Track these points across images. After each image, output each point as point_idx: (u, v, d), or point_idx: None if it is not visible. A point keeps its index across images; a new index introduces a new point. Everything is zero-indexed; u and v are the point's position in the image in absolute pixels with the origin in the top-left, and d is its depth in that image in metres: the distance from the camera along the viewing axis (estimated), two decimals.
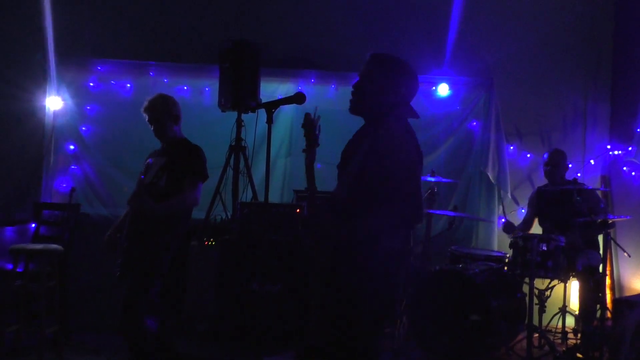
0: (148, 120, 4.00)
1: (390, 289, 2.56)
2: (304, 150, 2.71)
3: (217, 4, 6.06)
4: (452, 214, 5.01)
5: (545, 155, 5.47)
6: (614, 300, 4.50)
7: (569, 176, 5.71)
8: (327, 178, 5.87)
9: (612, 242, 5.13)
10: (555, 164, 5.36)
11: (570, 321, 5.30)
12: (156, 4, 6.06)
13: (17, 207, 5.64)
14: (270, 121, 2.76)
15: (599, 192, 5.55)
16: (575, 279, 5.06)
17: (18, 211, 5.60)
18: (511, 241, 4.90)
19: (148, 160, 4.07)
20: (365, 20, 6.10)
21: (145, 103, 4.00)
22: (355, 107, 2.68)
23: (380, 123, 2.57)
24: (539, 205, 5.50)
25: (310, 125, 2.67)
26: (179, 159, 3.92)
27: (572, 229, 4.94)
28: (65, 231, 5.24)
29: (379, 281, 2.49)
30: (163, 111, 3.97)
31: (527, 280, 4.77)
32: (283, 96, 5.96)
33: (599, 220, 4.62)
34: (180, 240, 4.08)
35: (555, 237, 4.74)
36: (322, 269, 2.57)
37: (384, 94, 2.60)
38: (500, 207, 6.01)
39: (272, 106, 2.77)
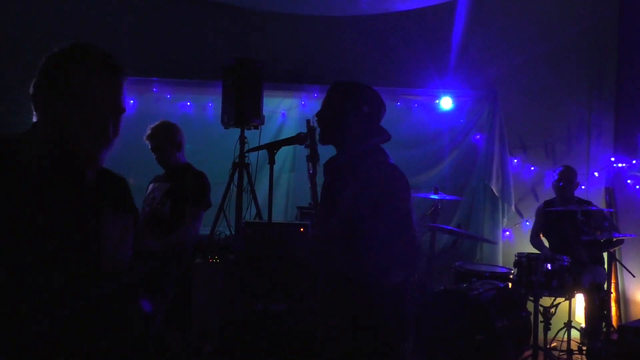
0: (151, 148, 3.99)
1: (397, 323, 2.56)
2: (309, 159, 2.65)
3: (220, 20, 6.06)
4: (456, 230, 5.00)
5: (558, 170, 5.45)
6: (619, 327, 4.50)
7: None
8: None
9: (616, 257, 5.12)
10: (569, 180, 5.34)
11: (575, 334, 5.29)
12: (159, 20, 6.07)
13: None
14: (272, 162, 2.75)
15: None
16: (581, 293, 5.05)
17: None
18: (515, 260, 4.90)
19: (150, 186, 4.07)
20: (368, 34, 6.10)
21: (148, 131, 4.00)
22: (323, 137, 2.64)
23: (360, 161, 2.53)
24: (546, 220, 5.48)
25: (311, 133, 2.62)
26: (184, 186, 3.91)
27: (577, 246, 4.94)
28: None
29: (386, 316, 2.50)
30: (166, 139, 3.96)
31: (531, 297, 4.78)
32: (286, 110, 6.09)
33: (603, 240, 4.62)
34: (185, 262, 4.09)
35: (559, 256, 4.74)
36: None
37: (346, 117, 2.55)
38: (505, 220, 6.03)
39: (274, 147, 2.77)
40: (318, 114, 2.63)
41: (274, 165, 2.84)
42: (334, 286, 2.56)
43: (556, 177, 5.45)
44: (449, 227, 5.17)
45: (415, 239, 2.54)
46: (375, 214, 2.39)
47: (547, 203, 5.56)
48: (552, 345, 5.18)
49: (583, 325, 5.59)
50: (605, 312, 4.77)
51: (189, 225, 3.83)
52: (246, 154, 5.21)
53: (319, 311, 2.71)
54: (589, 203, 5.29)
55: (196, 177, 4.03)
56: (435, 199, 5.14)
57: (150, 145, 3.99)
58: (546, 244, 5.58)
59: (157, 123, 4.06)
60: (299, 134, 2.83)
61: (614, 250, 5.10)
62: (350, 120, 2.55)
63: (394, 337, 2.54)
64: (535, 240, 5.62)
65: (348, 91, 2.60)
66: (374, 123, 2.61)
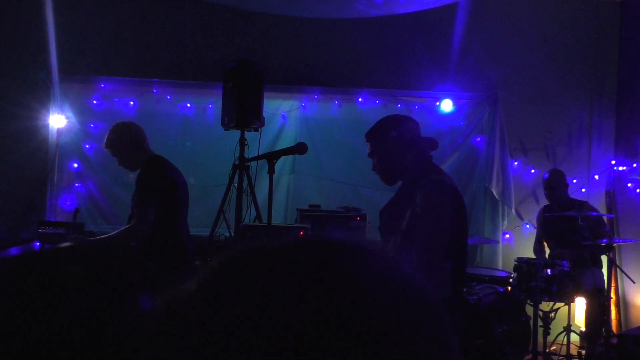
0: (113, 155, 3.88)
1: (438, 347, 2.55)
2: None
3: (221, 22, 6.05)
4: None
5: (545, 176, 5.45)
6: (619, 335, 4.50)
7: (574, 190, 5.70)
8: (331, 195, 5.92)
9: (616, 262, 5.11)
10: (554, 186, 5.33)
11: (575, 338, 5.29)
12: (160, 21, 6.06)
13: (22, 225, 5.65)
14: (272, 171, 2.74)
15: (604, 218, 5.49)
16: (581, 297, 5.04)
17: (23, 230, 5.61)
18: (515, 265, 4.90)
19: None
20: (369, 36, 6.09)
21: (105, 139, 3.87)
22: (387, 181, 2.77)
23: (417, 186, 2.59)
24: (545, 226, 5.48)
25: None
26: (137, 181, 3.83)
27: (577, 250, 4.95)
28: None
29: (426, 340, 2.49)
30: (115, 141, 3.83)
31: (531, 302, 4.78)
32: (287, 112, 6.08)
33: (604, 244, 4.61)
34: (179, 262, 4.04)
35: (559, 262, 4.74)
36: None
37: (396, 154, 2.66)
38: (505, 223, 6.03)
39: (274, 157, 2.76)
40: (372, 166, 2.75)
41: (274, 166, 2.82)
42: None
43: (542, 185, 5.46)
44: None
45: (463, 263, 2.62)
46: (426, 230, 2.47)
47: (546, 208, 5.55)
48: (552, 349, 5.19)
49: (583, 329, 5.59)
50: (605, 316, 4.76)
51: (136, 222, 3.60)
52: (246, 158, 5.21)
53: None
54: (582, 204, 5.26)
55: (143, 167, 3.80)
56: None
57: (110, 152, 3.89)
58: (547, 249, 5.56)
59: (111, 130, 3.88)
60: (298, 144, 2.83)
61: (614, 255, 5.08)
62: (402, 154, 2.66)
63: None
64: (536, 247, 5.56)
65: (384, 132, 2.69)
66: (412, 140, 2.68)
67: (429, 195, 2.51)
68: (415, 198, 2.52)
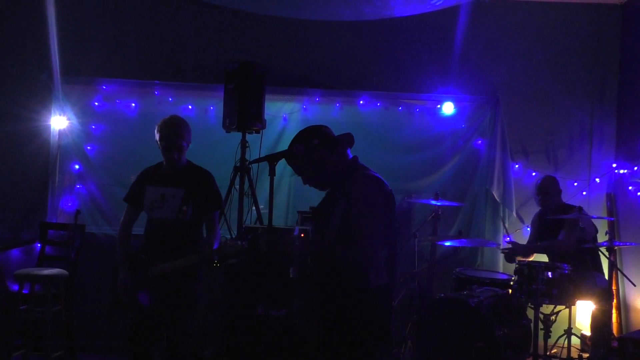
0: (171, 148, 3.78)
1: (373, 325, 2.66)
2: None
3: (223, 24, 6.06)
4: (457, 243, 4.99)
5: (538, 182, 5.48)
6: (619, 338, 4.50)
7: (575, 193, 5.69)
8: None
9: (617, 265, 5.11)
10: (547, 192, 5.36)
11: (575, 342, 5.28)
12: (161, 23, 6.07)
13: (24, 227, 5.66)
14: (272, 173, 2.74)
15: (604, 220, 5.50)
16: (590, 300, 5.02)
17: (24, 231, 5.62)
18: (516, 268, 4.90)
19: (151, 188, 3.86)
20: (370, 39, 6.10)
21: (169, 128, 3.77)
22: (322, 188, 2.93)
23: (347, 182, 2.72)
24: (540, 229, 5.48)
25: None
26: (200, 189, 3.84)
27: (576, 254, 4.95)
28: (71, 251, 5.27)
29: (369, 321, 2.63)
30: (188, 137, 3.87)
31: (532, 305, 4.78)
32: (288, 114, 6.08)
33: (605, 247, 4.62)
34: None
35: (560, 264, 4.74)
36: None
37: (322, 161, 2.79)
38: (506, 226, 6.02)
39: (275, 159, 2.76)
40: (305, 181, 2.90)
41: (275, 168, 2.83)
42: (321, 281, 2.74)
43: (534, 191, 5.47)
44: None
45: (394, 251, 2.74)
46: (357, 226, 2.59)
47: (541, 213, 5.55)
48: (552, 352, 5.18)
49: (583, 332, 5.59)
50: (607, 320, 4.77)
51: (217, 230, 3.89)
52: (247, 160, 5.22)
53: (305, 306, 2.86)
54: (580, 208, 5.26)
55: (210, 179, 3.97)
56: (435, 205, 5.15)
57: (169, 143, 3.77)
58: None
59: (173, 119, 3.85)
60: None
61: (615, 258, 5.07)
62: (320, 163, 2.80)
63: (368, 338, 2.65)
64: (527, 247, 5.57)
65: (302, 148, 2.80)
66: (332, 142, 2.82)
67: (362, 189, 2.66)
68: (345, 193, 2.66)
